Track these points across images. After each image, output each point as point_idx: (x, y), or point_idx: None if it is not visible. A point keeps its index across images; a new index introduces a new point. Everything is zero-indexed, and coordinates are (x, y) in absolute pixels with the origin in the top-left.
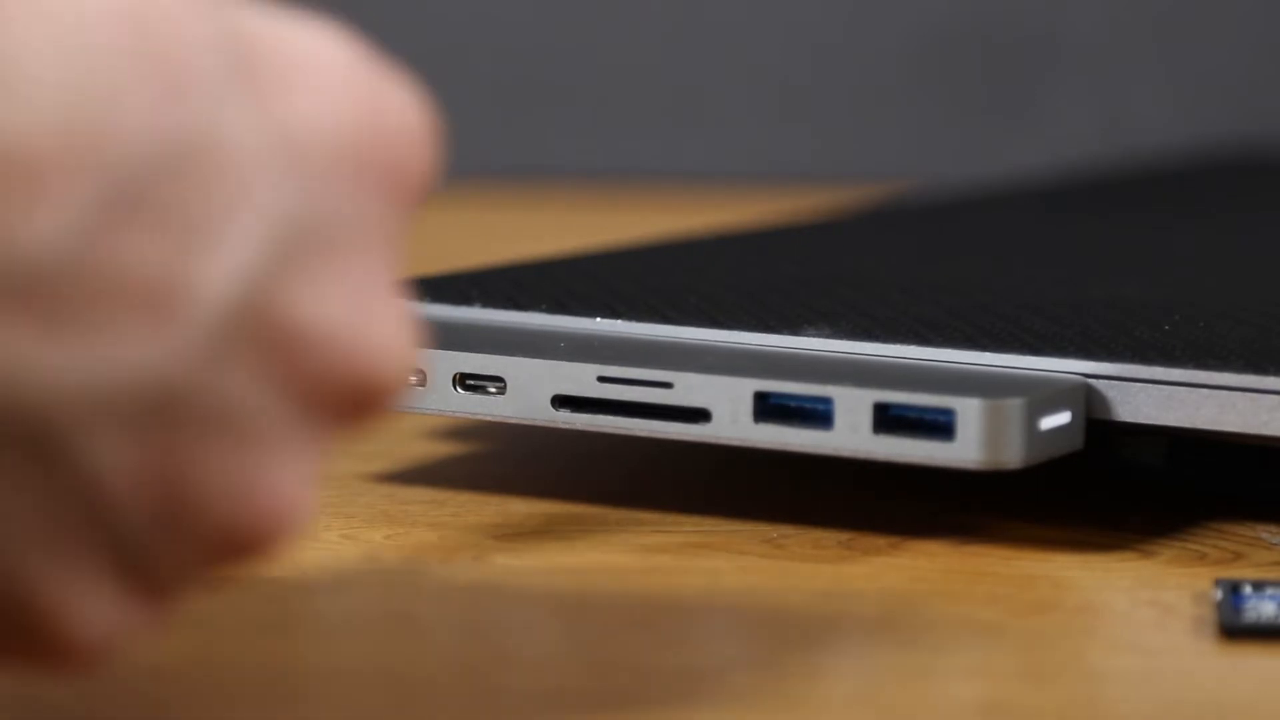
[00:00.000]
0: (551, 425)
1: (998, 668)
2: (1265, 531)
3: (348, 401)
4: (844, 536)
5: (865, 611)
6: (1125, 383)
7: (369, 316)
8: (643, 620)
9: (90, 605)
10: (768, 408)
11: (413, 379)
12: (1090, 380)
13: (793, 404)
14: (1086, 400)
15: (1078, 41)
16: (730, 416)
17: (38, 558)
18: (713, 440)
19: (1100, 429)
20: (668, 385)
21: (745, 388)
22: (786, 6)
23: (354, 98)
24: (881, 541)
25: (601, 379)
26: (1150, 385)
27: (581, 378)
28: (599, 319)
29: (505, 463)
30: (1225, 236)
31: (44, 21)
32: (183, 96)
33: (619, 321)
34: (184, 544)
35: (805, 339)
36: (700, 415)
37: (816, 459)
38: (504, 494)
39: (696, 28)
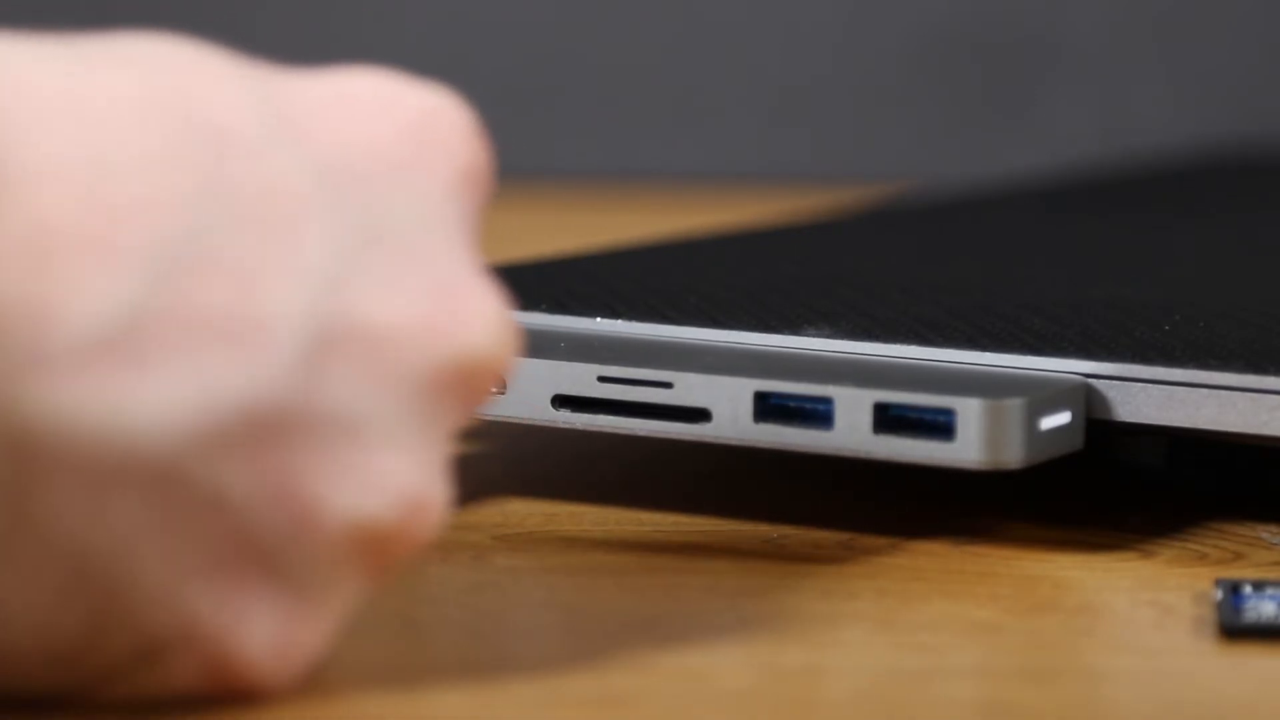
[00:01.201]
0: (552, 425)
1: (998, 668)
2: (1265, 531)
3: (452, 382)
4: (844, 536)
5: (865, 611)
6: (1125, 383)
7: (446, 300)
8: (643, 620)
9: (255, 622)
10: (768, 407)
11: (513, 351)
12: (1090, 380)
13: (793, 404)
14: (1087, 400)
15: (1077, 42)
16: (730, 416)
17: (196, 588)
18: (713, 440)
19: (1101, 429)
20: (668, 385)
21: (745, 387)
22: (786, 6)
23: (388, 114)
24: (881, 541)
25: (602, 379)
26: (1151, 385)
27: (582, 377)
28: (599, 319)
29: (505, 462)
30: (1225, 236)
31: (70, 107)
32: (222, 154)
33: (619, 321)
34: (328, 549)
35: (805, 339)
36: (700, 415)
37: (816, 459)
38: (504, 494)
39: (696, 28)
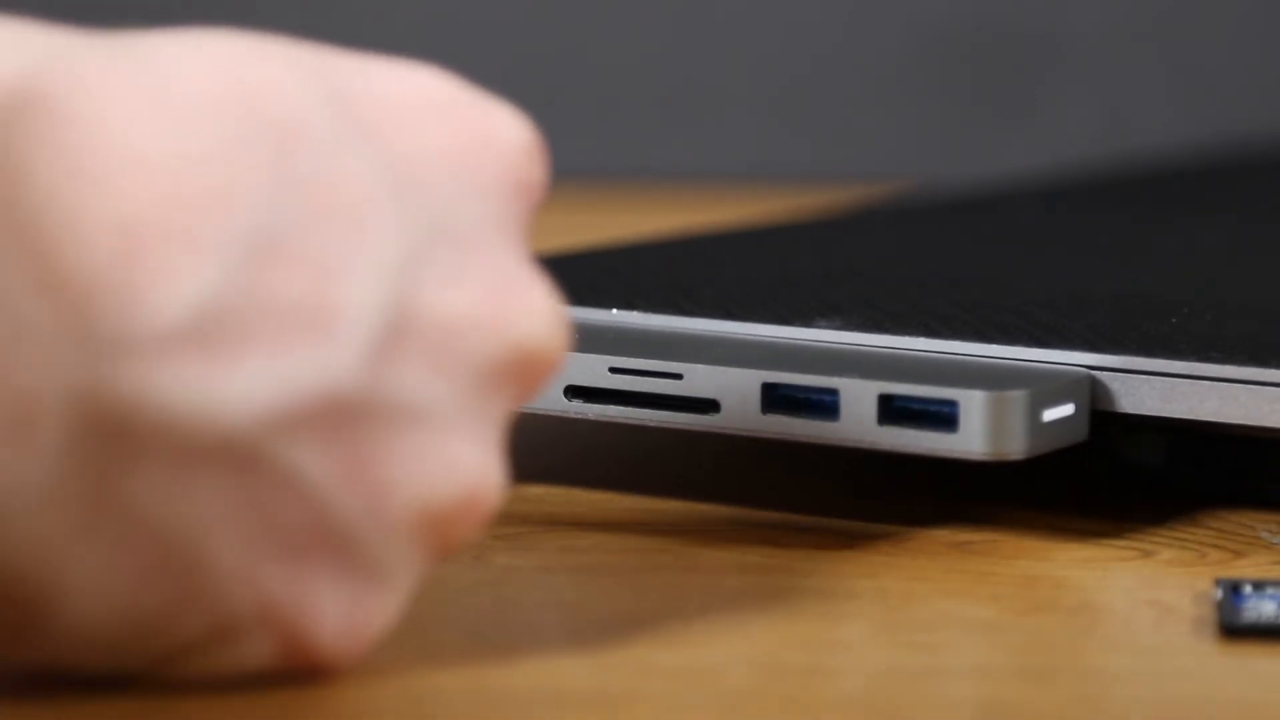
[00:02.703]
0: (564, 415)
1: (998, 668)
2: (1265, 530)
3: (510, 371)
4: (845, 536)
5: (865, 611)
6: (1129, 375)
7: (504, 294)
8: (643, 620)
9: (328, 603)
10: (775, 398)
11: (566, 341)
12: (1094, 372)
13: (800, 395)
14: (1090, 392)
15: (1078, 41)
16: (739, 407)
17: (272, 569)
18: (721, 430)
19: (1105, 421)
20: (677, 376)
21: (753, 379)
22: (786, 6)
23: (454, 122)
24: (882, 541)
25: (613, 370)
26: (1154, 378)
27: (593, 368)
28: (614, 310)
29: (518, 453)
30: (1226, 234)
31: (149, 102)
32: (294, 149)
33: (634, 313)
34: (397, 530)
35: (814, 331)
36: (709, 406)
37: (821, 458)
38: (515, 483)
39: (696, 28)
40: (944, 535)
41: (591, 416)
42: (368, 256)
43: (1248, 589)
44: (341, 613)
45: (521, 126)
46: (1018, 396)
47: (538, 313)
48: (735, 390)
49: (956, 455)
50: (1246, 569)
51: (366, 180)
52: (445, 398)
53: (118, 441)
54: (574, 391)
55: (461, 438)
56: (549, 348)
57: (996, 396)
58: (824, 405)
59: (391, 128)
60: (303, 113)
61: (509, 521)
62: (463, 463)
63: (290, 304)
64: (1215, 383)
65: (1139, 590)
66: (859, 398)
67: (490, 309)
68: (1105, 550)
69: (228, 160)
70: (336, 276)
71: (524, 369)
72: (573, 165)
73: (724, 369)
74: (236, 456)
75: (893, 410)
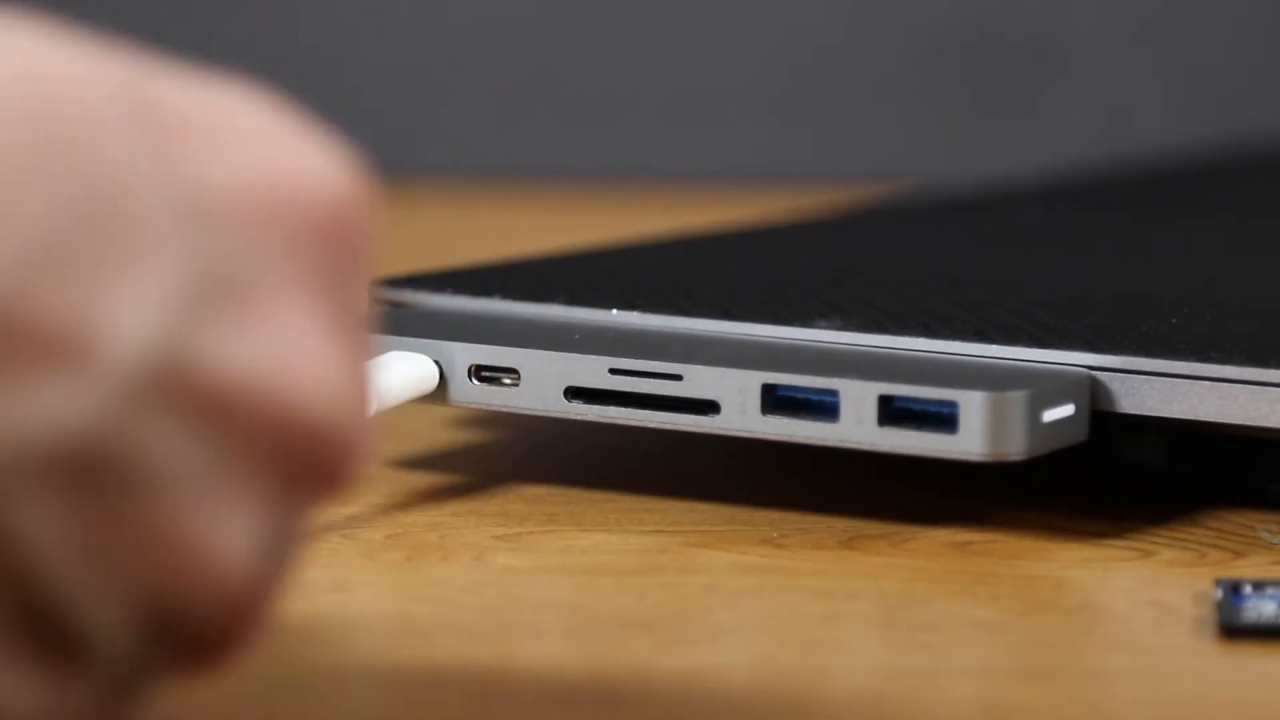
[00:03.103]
0: (564, 416)
1: (998, 668)
2: (1265, 530)
3: (284, 449)
4: (845, 536)
5: (865, 611)
6: (1129, 375)
7: (290, 361)
8: (643, 620)
9: (14, 692)
10: (776, 400)
11: (371, 431)
12: (1094, 372)
13: (800, 396)
14: (1090, 392)
15: (1077, 42)
16: (739, 408)
17: None
18: (721, 432)
19: (1105, 421)
20: (677, 377)
21: (753, 380)
22: (786, 6)
23: (264, 156)
24: (882, 542)
25: (613, 371)
26: (1154, 378)
27: (593, 370)
28: (614, 311)
29: (518, 453)
30: (1227, 234)
31: None
32: (82, 151)
33: (634, 314)
34: (119, 614)
35: (814, 331)
36: (709, 407)
37: (821, 459)
38: (514, 483)
39: (696, 28)
40: (944, 535)
41: (591, 417)
42: (142, 288)
43: (1248, 589)
44: (30, 705)
45: (344, 172)
46: (1018, 397)
47: (327, 388)
48: (735, 391)
49: (956, 456)
50: (1246, 569)
51: (156, 204)
52: (205, 468)
53: None
54: (574, 392)
55: (218, 516)
56: (337, 431)
57: (996, 397)
58: (824, 406)
59: (196, 152)
60: (98, 120)
61: (509, 521)
62: (206, 546)
63: (44, 327)
64: (1215, 383)
65: (1139, 590)
66: (859, 398)
67: (270, 375)
68: (1105, 550)
69: (10, 164)
70: (103, 304)
71: (304, 450)
72: (573, 165)
73: (724, 370)
74: None
75: (893, 411)
